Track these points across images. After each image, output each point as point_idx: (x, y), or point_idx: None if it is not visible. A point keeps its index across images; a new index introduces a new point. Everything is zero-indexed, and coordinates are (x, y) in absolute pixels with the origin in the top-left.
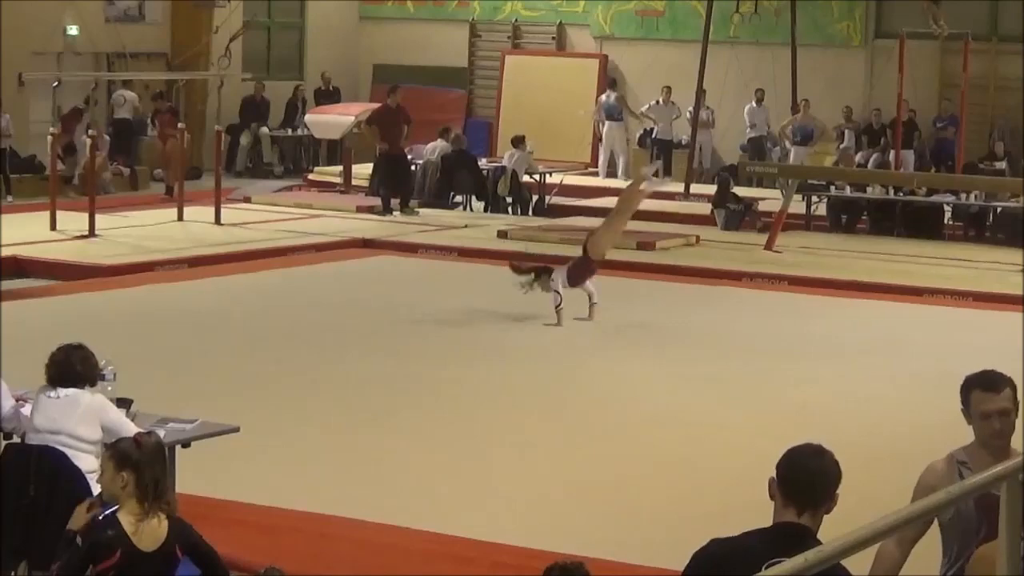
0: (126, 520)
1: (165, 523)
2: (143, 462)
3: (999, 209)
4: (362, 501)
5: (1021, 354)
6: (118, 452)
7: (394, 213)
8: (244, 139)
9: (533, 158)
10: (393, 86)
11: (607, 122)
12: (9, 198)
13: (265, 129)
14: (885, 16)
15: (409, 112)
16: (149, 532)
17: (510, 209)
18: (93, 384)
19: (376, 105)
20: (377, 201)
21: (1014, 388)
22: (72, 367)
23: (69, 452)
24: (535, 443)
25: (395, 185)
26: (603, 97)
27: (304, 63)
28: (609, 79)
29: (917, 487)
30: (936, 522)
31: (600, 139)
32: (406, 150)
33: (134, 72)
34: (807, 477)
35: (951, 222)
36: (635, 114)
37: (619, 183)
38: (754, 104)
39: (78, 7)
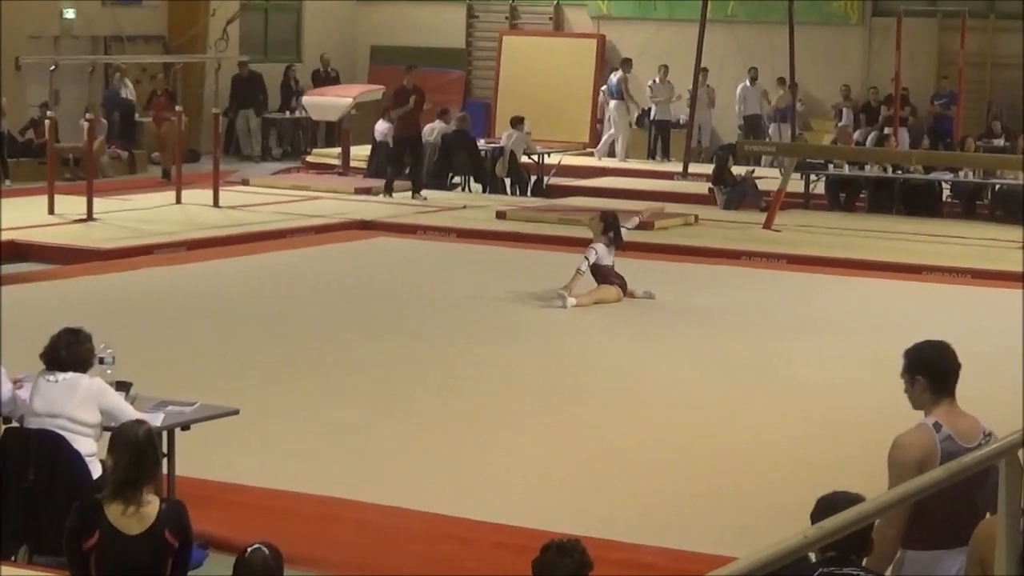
0: (109, 502)
1: (155, 508)
2: (119, 449)
3: (997, 186)
4: (362, 482)
5: (1021, 331)
6: (113, 433)
7: (393, 196)
8: (241, 122)
9: (531, 139)
10: (409, 65)
11: (611, 100)
12: (7, 182)
13: (253, 112)
14: None
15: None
16: (134, 515)
17: (508, 190)
18: (83, 370)
19: (375, 87)
20: (375, 182)
21: None
22: (57, 352)
23: (68, 435)
24: (535, 423)
25: (405, 167)
26: (612, 76)
27: (301, 45)
28: (623, 60)
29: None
30: None
31: (601, 120)
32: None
33: (131, 55)
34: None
35: (949, 199)
36: (632, 99)
37: (616, 163)
38: (748, 83)
39: None
